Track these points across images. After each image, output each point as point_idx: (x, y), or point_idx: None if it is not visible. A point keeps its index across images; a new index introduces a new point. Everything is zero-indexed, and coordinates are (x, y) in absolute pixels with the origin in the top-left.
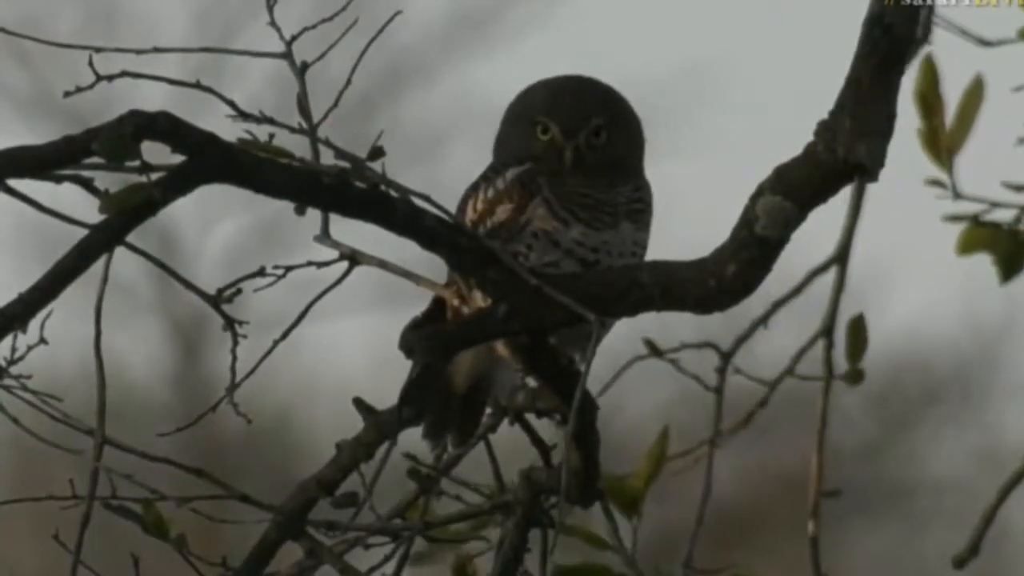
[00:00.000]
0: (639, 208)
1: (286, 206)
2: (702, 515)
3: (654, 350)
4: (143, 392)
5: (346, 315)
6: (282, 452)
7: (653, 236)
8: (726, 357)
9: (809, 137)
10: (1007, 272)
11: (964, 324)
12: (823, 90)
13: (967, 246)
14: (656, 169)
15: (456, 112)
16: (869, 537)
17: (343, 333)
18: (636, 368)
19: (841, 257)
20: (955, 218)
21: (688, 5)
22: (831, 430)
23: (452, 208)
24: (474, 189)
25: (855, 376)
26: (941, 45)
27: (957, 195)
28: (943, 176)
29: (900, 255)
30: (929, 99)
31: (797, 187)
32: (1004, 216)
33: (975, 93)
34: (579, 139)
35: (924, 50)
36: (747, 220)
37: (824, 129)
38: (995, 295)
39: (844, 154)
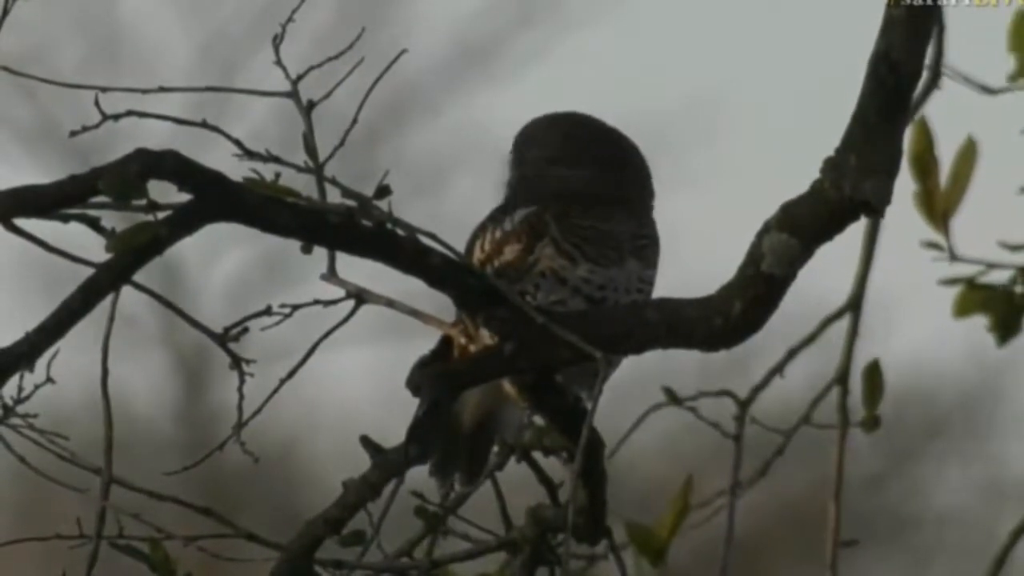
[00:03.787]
0: (643, 244)
1: (291, 240)
2: (727, 566)
3: (673, 398)
4: (147, 425)
5: (351, 348)
6: (286, 485)
7: (659, 267)
8: (744, 405)
9: (814, 168)
10: (1004, 335)
11: (968, 356)
12: (829, 123)
13: (963, 309)
14: (661, 200)
15: (460, 145)
16: (874, 569)
17: (348, 366)
18: (640, 399)
19: (855, 305)
20: (951, 281)
21: (693, 38)
22: (834, 460)
23: (459, 245)
24: (482, 230)
25: (872, 423)
26: (946, 88)
27: (954, 257)
28: (939, 239)
29: (903, 287)
30: (924, 161)
31: (803, 225)
32: (1000, 277)
33: (968, 155)
34: (524, 170)
35: (933, 94)
36: (753, 258)
37: (830, 166)
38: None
39: (850, 192)
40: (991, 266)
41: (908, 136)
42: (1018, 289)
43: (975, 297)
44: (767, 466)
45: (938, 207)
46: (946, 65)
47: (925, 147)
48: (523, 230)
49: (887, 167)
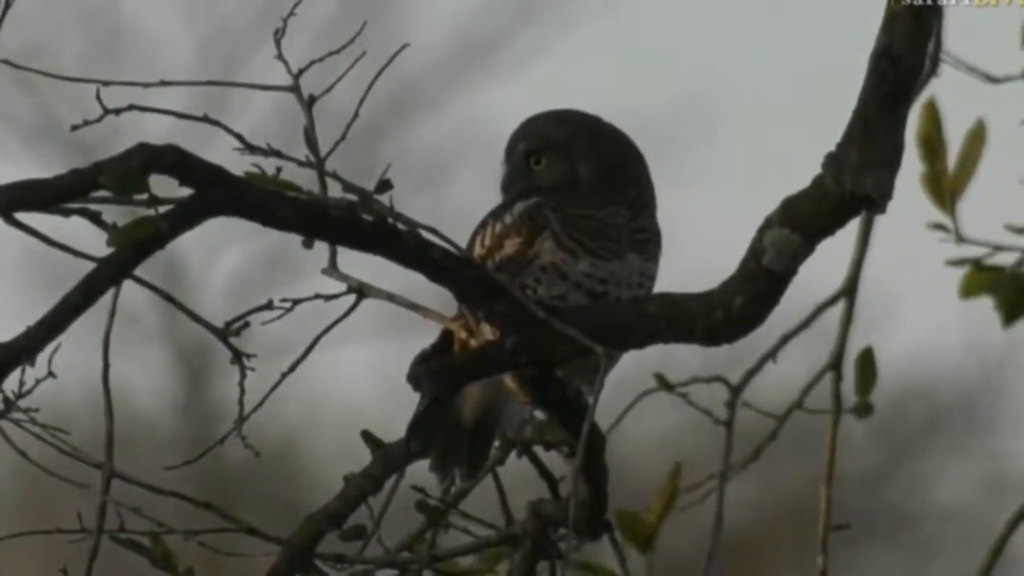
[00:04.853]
0: (643, 239)
1: (292, 235)
2: (715, 551)
3: (664, 384)
4: (148, 420)
5: (352, 344)
6: (287, 480)
7: (661, 262)
8: (736, 391)
9: (815, 163)
10: (1009, 316)
11: (968, 351)
12: (830, 118)
13: (970, 290)
14: (662, 196)
15: (462, 140)
16: (874, 564)
17: (349, 363)
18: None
19: (849, 290)
20: (958, 262)
21: (694, 34)
22: (827, 447)
23: (460, 241)
24: (483, 225)
25: (864, 409)
26: (948, 79)
27: (960, 239)
28: (946, 220)
29: (903, 281)
30: (932, 142)
31: (804, 219)
32: (1007, 259)
33: (977, 137)
34: (512, 164)
35: (931, 83)
36: (755, 252)
37: (831, 161)
38: (1000, 322)
39: (851, 186)
40: (998, 248)
41: (916, 118)
42: None
43: (982, 279)
44: (759, 450)
45: (945, 188)
46: (948, 54)
47: (933, 129)
48: (523, 223)
49: (888, 162)
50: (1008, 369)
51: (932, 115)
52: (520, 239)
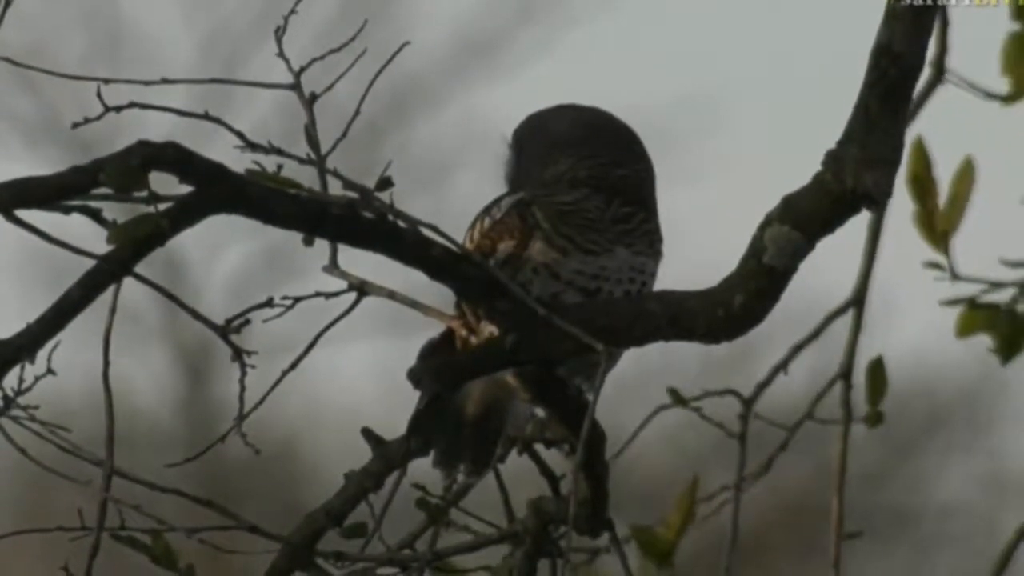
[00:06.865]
0: (627, 228)
1: (292, 233)
2: (732, 564)
3: (678, 399)
4: (149, 418)
5: (353, 341)
6: (288, 478)
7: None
8: (748, 404)
9: (816, 161)
10: (1007, 354)
11: (970, 349)
12: (831, 115)
13: (966, 329)
14: (663, 193)
15: (462, 139)
16: (875, 563)
17: (350, 361)
18: (643, 393)
19: (858, 300)
20: (953, 302)
21: (695, 32)
22: (836, 455)
23: (460, 239)
24: (473, 222)
25: (875, 419)
26: (949, 88)
27: (955, 276)
28: (940, 258)
29: (903, 280)
30: (922, 181)
31: (805, 217)
32: (1002, 296)
33: (966, 175)
34: (513, 157)
35: (938, 90)
36: (755, 250)
37: (832, 159)
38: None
39: (852, 184)
40: (993, 285)
41: (906, 157)
42: (1020, 308)
43: (977, 318)
44: (770, 461)
45: (938, 227)
46: (950, 71)
47: (923, 168)
48: (512, 221)
49: (889, 159)
50: (1009, 367)
51: (921, 154)
52: (514, 241)
